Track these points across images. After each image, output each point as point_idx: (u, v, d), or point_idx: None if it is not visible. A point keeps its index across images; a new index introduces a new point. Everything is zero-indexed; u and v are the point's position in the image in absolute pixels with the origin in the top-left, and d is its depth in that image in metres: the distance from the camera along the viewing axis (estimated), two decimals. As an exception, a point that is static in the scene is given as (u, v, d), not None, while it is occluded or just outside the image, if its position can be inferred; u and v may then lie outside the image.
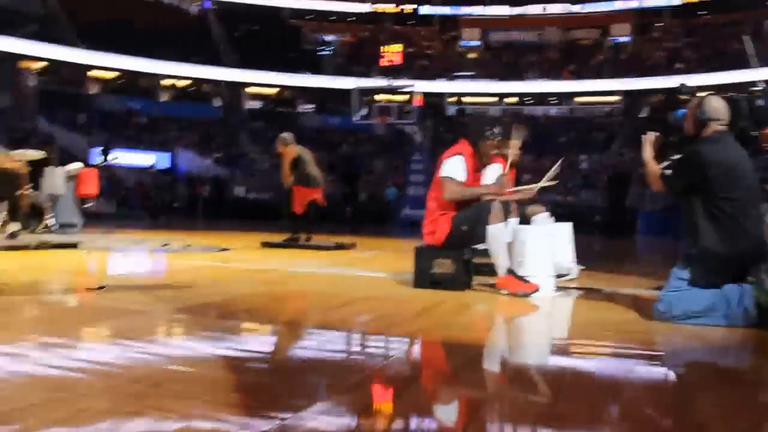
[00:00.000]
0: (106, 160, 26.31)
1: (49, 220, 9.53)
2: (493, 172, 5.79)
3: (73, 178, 10.48)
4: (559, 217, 6.25)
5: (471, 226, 4.58)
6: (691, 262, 3.72)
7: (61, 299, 3.97)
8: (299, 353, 2.76)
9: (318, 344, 2.89)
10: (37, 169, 10.26)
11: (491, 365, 2.80)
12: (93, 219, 17.14)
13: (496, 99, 39.33)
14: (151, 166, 29.13)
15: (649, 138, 4.12)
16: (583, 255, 6.24)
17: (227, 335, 2.95)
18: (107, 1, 36.38)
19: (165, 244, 8.82)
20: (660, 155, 4.11)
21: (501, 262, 4.55)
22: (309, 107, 39.67)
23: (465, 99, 39.66)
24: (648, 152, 4.09)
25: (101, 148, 27.24)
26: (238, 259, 7.15)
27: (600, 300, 4.60)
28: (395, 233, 16.62)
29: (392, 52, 27.81)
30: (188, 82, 39.64)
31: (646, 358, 2.91)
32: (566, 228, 5.95)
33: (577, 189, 26.56)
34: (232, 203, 23.96)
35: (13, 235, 7.11)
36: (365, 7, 42.13)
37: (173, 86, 39.24)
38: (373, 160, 31.93)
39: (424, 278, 4.75)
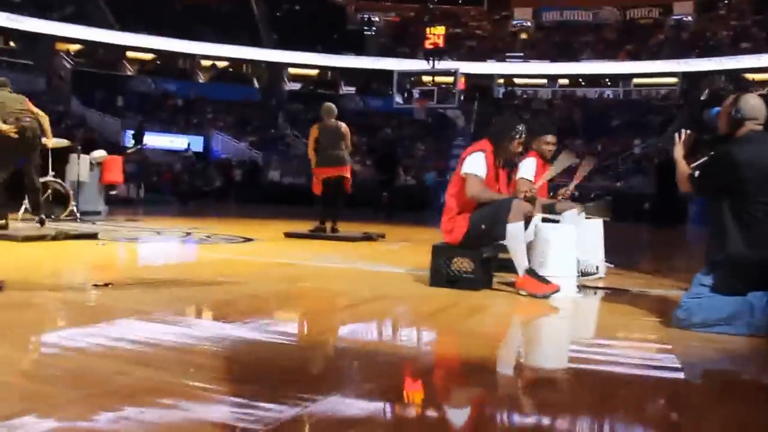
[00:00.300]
0: (139, 143, 26.84)
1: (73, 208, 9.77)
2: (526, 167, 5.78)
3: (97, 165, 10.73)
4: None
5: (489, 225, 4.56)
6: (715, 267, 3.65)
7: (63, 297, 4.06)
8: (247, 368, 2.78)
9: (289, 358, 2.91)
10: (62, 156, 10.54)
11: (484, 382, 2.79)
12: (121, 205, 17.59)
13: (547, 81, 38.81)
14: (186, 150, 29.50)
15: (682, 136, 4.04)
16: (623, 247, 6.15)
17: (201, 340, 3.00)
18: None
19: (187, 234, 8.99)
20: (692, 155, 4.03)
21: (520, 262, 4.53)
22: (351, 89, 39.64)
23: (515, 81, 39.25)
24: (679, 151, 4.02)
25: (133, 131, 27.78)
26: (258, 252, 7.25)
27: (624, 302, 4.55)
28: (431, 221, 16.56)
29: (436, 34, 27.50)
30: (226, 63, 40.02)
31: (654, 368, 2.88)
32: (596, 225, 5.88)
33: (629, 174, 26.13)
34: (266, 188, 24.12)
35: (41, 222, 7.35)
36: (412, -15, 41.92)
37: (212, 67, 39.65)
38: (416, 144, 31.85)
39: (440, 277, 4.75)
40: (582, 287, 4.98)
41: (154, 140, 29.97)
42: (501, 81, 38.93)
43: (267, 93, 38.29)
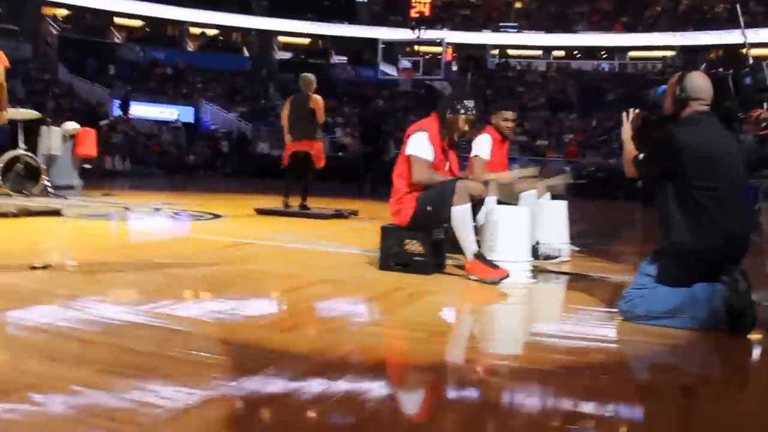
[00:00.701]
0: (125, 113, 26.66)
1: (46, 182, 9.68)
2: (481, 144, 5.71)
3: (71, 138, 10.61)
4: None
5: (435, 207, 4.51)
6: (658, 257, 3.58)
7: None
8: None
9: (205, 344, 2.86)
10: (33, 129, 10.42)
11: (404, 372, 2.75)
12: (107, 178, 17.52)
13: (542, 52, 38.52)
14: (175, 121, 29.31)
15: (630, 115, 3.95)
16: (603, 227, 6.08)
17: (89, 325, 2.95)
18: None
19: (156, 210, 8.93)
20: (640, 135, 3.94)
21: (468, 246, 4.48)
22: (342, 59, 39.30)
23: (509, 52, 38.94)
24: (627, 131, 3.92)
25: (120, 101, 27.56)
26: (221, 230, 7.21)
27: (580, 289, 4.50)
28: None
29: (422, 2, 27.15)
30: (216, 31, 39.64)
31: (589, 365, 2.83)
32: (560, 206, 5.83)
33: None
34: (255, 160, 23.97)
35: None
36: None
37: (201, 35, 39.26)
38: (408, 116, 31.67)
39: (389, 260, 4.71)
40: (540, 272, 4.95)
41: (143, 110, 29.81)
42: (495, 52, 38.61)
43: (257, 62, 37.94)
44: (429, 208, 4.53)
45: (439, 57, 26.59)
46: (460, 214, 4.43)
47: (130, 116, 26.64)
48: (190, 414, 1.94)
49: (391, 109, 31.14)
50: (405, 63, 26.23)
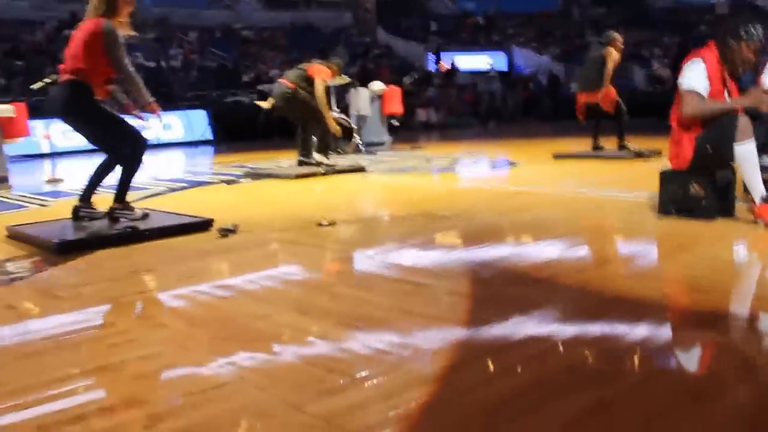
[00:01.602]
0: (437, 67, 27.79)
1: (358, 141, 10.62)
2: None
3: (378, 97, 11.45)
4: None
5: (715, 146, 4.15)
6: None
7: (281, 237, 4.53)
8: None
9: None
10: (345, 91, 11.45)
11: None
12: (422, 130, 18.56)
13: None
14: (490, 69, 29.83)
15: None
16: None
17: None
18: None
19: (454, 160, 9.34)
20: None
21: (755, 187, 4.08)
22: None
23: None
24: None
25: (434, 55, 28.78)
26: (508, 178, 7.35)
27: None
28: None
29: None
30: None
31: None
32: None
33: None
34: (566, 103, 23.58)
35: (300, 163, 8.15)
36: None
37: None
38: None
39: (669, 205, 4.47)
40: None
41: (459, 61, 30.79)
42: None
43: (568, 0, 36.92)
44: (709, 148, 4.19)
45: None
46: (744, 153, 4.04)
47: (446, 68, 27.71)
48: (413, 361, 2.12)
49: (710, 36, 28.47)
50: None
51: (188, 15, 29.88)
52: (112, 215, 4.76)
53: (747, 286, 3.15)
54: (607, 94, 8.67)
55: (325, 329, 2.50)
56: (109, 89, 4.75)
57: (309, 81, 7.95)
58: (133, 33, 4.74)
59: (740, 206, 4.43)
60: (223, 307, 2.87)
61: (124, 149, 4.67)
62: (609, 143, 8.88)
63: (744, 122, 4.02)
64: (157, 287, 3.37)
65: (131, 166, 4.74)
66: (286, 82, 8.02)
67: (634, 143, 8.73)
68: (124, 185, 4.78)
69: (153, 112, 4.74)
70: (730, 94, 4.35)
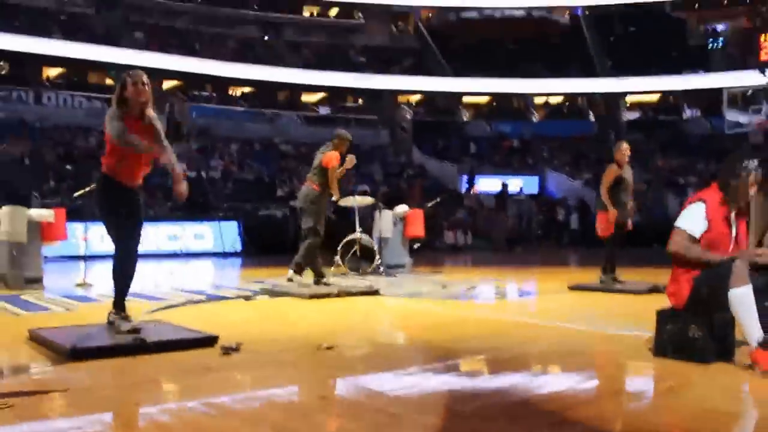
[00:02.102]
0: (470, 188, 28.34)
1: (378, 262, 10.83)
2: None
3: (401, 220, 11.73)
4: None
5: (711, 290, 4.24)
6: None
7: (282, 358, 4.68)
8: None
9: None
10: (369, 213, 11.79)
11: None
12: (449, 252, 18.77)
13: None
14: (519, 192, 30.28)
15: None
16: None
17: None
18: (476, 25, 39.34)
19: (471, 287, 9.46)
20: None
21: (750, 332, 4.13)
22: (695, 111, 37.30)
23: None
24: None
25: (467, 177, 29.41)
26: (518, 310, 7.45)
27: None
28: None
29: None
30: (561, 98, 40.39)
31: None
32: None
33: None
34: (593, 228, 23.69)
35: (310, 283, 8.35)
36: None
37: (545, 104, 40.30)
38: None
39: (664, 345, 4.54)
40: None
41: (489, 184, 31.34)
42: None
43: (604, 125, 37.63)
44: (705, 291, 4.29)
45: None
46: (739, 297, 4.11)
47: (477, 191, 28.25)
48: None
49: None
50: (753, 111, 24.22)
51: (231, 127, 31.12)
52: (108, 320, 5.04)
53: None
54: (600, 218, 8.62)
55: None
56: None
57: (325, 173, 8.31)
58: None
59: (740, 349, 4.47)
60: (203, 423, 3.02)
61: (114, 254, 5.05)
62: (627, 274, 8.93)
63: (740, 266, 4.11)
64: (149, 400, 3.53)
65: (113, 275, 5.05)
66: (311, 183, 8.37)
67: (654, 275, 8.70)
68: (115, 292, 5.10)
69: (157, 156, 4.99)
70: (737, 234, 4.47)
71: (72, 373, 3.97)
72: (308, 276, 8.41)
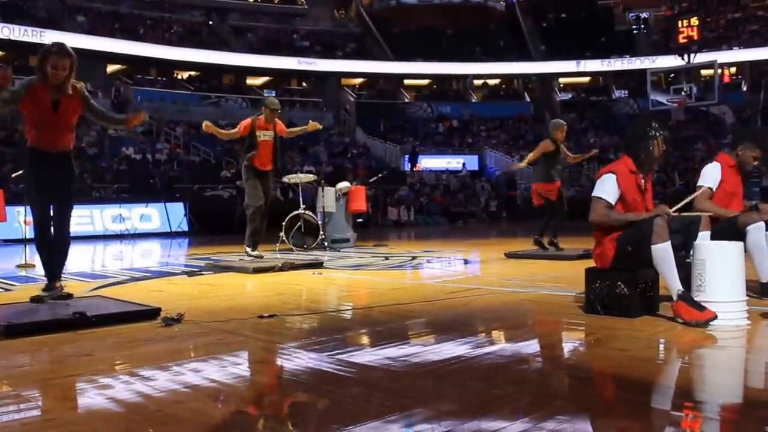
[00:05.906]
0: (413, 166, 28.41)
1: (322, 237, 10.73)
2: (709, 174, 5.37)
3: (343, 195, 11.64)
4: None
5: (635, 248, 4.30)
6: None
7: (223, 326, 4.57)
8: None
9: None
10: (313, 190, 11.66)
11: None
12: (393, 228, 18.76)
13: None
14: (461, 170, 30.51)
15: None
16: None
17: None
18: (415, 11, 39.37)
19: (412, 258, 9.45)
20: None
21: (671, 285, 4.21)
22: (622, 93, 38.17)
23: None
24: None
25: (409, 156, 29.50)
26: (453, 276, 7.45)
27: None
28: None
29: (689, 26, 24.98)
30: (498, 80, 40.75)
31: None
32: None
33: None
34: (525, 203, 24.07)
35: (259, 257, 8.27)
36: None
37: (483, 85, 40.59)
38: (692, 146, 29.64)
39: (593, 303, 4.58)
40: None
41: (430, 162, 31.52)
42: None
43: (539, 106, 38.17)
44: (629, 249, 4.35)
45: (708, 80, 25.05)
46: (660, 252, 4.19)
47: (419, 169, 28.36)
48: None
49: (676, 140, 29.42)
50: (675, 91, 24.96)
51: (177, 110, 30.52)
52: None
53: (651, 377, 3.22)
54: (534, 188, 9.23)
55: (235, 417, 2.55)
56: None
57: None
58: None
59: (663, 304, 4.55)
60: (142, 392, 2.90)
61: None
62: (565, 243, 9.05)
63: (660, 223, 4.18)
64: (85, 372, 3.39)
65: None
66: None
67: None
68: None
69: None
70: (646, 194, 4.58)
71: (6, 350, 3.78)
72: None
